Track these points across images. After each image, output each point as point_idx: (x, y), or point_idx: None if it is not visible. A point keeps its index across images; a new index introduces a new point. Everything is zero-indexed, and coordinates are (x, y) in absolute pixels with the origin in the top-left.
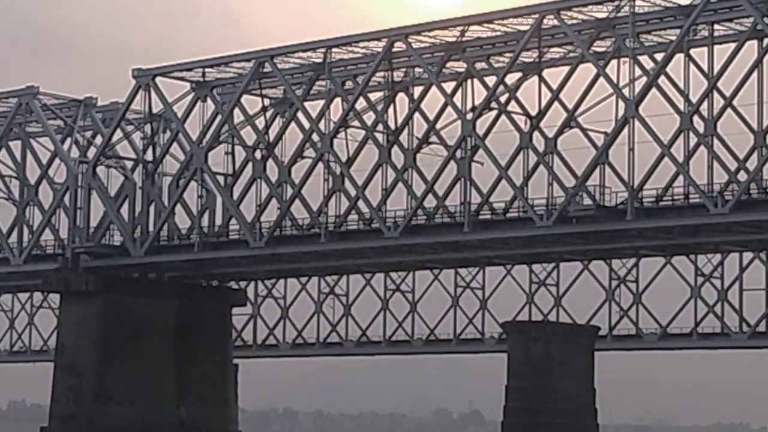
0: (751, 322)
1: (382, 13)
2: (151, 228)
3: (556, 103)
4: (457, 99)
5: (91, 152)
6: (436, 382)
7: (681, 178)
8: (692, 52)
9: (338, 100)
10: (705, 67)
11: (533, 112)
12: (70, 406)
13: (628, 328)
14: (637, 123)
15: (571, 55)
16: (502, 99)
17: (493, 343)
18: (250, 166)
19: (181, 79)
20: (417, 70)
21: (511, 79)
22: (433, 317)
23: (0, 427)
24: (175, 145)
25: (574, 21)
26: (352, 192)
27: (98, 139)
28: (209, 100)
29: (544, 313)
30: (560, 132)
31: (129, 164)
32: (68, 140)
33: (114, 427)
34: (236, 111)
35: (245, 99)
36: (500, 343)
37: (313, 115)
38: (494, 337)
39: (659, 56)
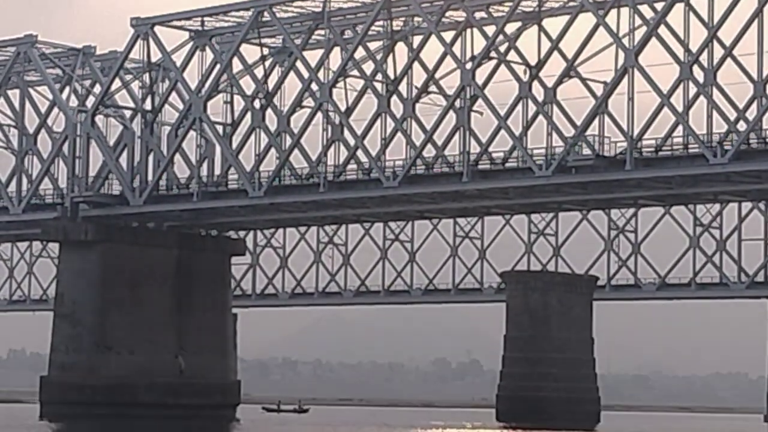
0: (750, 271)
1: None
2: (150, 177)
3: (555, 53)
4: (457, 48)
5: (90, 101)
6: (435, 332)
7: (680, 127)
8: (692, 1)
9: (337, 49)
10: (705, 17)
11: (533, 62)
12: (70, 355)
13: (626, 278)
14: (636, 73)
15: (571, 4)
16: (502, 48)
17: (491, 293)
18: (249, 115)
19: (180, 28)
20: (416, 19)
21: (511, 28)
22: (432, 267)
23: (0, 375)
24: (173, 94)
25: None
26: (351, 142)
27: (97, 88)
28: (208, 50)
29: (543, 262)
30: (560, 82)
31: (128, 113)
32: (67, 89)
33: (113, 376)
34: (235, 60)
35: (244, 48)
36: (499, 293)
37: (312, 64)
38: (493, 286)
39: (659, 5)
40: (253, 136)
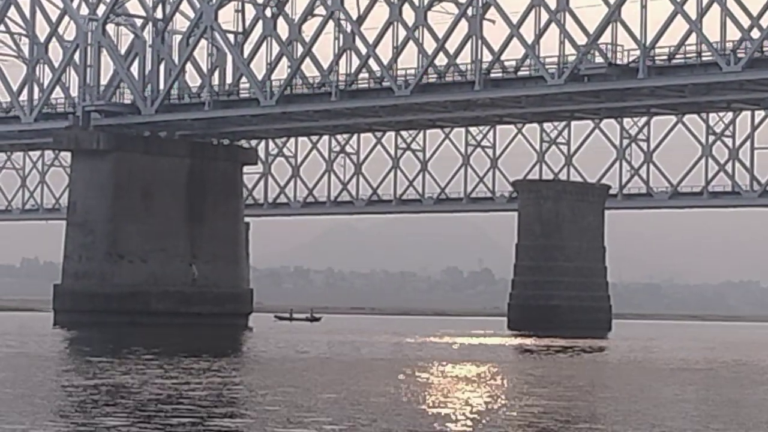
0: (762, 180)
1: None
2: (161, 86)
3: None
4: None
5: (101, 10)
6: (447, 241)
7: (694, 35)
8: None
9: None
10: None
11: None
12: (83, 264)
13: (638, 186)
14: None
15: None
16: None
17: (503, 202)
18: (260, 23)
19: None
20: None
21: None
22: (443, 176)
23: (13, 284)
24: (184, 2)
25: None
26: (363, 50)
27: None
28: None
29: (555, 171)
30: None
31: (139, 22)
32: None
33: (126, 284)
34: None
35: None
36: (511, 202)
37: None
38: (505, 195)
39: None
40: (264, 45)
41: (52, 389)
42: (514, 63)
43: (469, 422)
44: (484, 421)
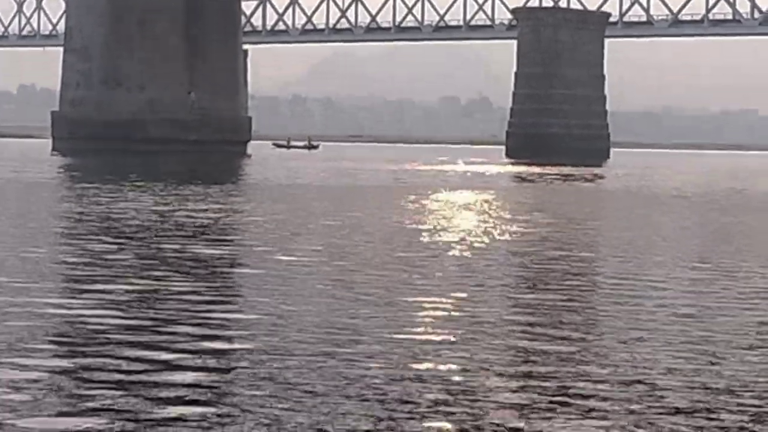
0: (763, 8)
1: None
2: None
3: None
4: None
5: None
6: (445, 69)
7: None
8: None
9: None
10: None
11: None
12: (80, 91)
13: (638, 14)
14: None
15: None
16: None
17: (503, 30)
18: None
19: None
20: None
21: None
22: (443, 3)
23: (10, 111)
24: None
25: None
26: None
27: None
28: None
29: None
30: None
31: None
32: None
33: (123, 112)
34: None
35: None
36: (510, 30)
37: None
38: (504, 23)
39: None
40: None
41: (45, 216)
42: None
43: (464, 248)
44: (478, 247)
